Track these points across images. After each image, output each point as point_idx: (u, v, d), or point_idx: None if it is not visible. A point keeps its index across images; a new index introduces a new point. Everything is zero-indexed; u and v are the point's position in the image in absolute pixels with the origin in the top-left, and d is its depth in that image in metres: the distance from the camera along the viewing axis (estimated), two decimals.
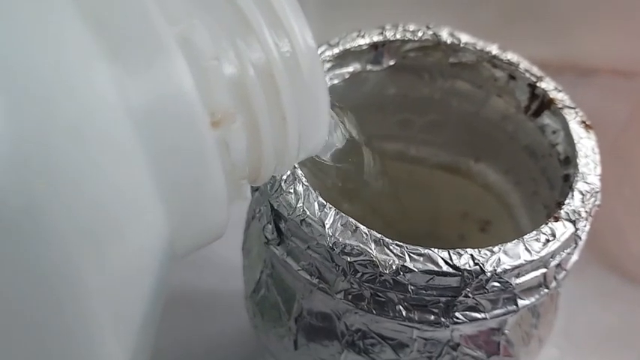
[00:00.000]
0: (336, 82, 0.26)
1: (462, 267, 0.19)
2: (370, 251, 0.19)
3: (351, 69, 0.26)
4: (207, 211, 0.14)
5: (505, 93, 0.26)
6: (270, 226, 0.21)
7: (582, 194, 0.21)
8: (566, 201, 0.21)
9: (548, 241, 0.20)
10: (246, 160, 0.15)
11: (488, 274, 0.19)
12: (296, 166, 0.21)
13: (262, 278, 0.24)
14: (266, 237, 0.21)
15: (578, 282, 0.40)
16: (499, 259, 0.19)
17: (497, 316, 0.20)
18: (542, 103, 0.24)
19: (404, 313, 0.20)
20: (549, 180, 0.25)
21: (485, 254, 0.19)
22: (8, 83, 0.11)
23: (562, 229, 0.20)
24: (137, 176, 0.12)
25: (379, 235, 0.19)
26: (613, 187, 0.42)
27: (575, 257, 0.22)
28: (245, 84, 0.14)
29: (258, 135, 0.15)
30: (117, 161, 0.12)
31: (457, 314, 0.20)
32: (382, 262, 0.19)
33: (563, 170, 0.24)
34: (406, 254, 0.19)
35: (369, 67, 0.26)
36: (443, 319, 0.20)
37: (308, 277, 0.21)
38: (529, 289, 0.20)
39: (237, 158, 0.15)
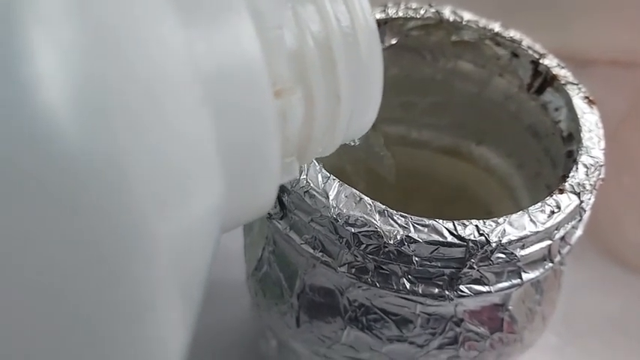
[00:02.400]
0: None
1: (467, 237, 0.19)
2: (374, 222, 0.19)
3: None
4: (259, 183, 0.14)
5: (507, 72, 0.26)
6: None
7: (586, 167, 0.21)
8: (571, 174, 0.21)
9: (552, 212, 0.20)
10: (297, 135, 0.15)
11: (494, 245, 0.19)
12: None
13: (264, 255, 0.23)
14: (268, 212, 0.21)
15: (577, 271, 0.40)
16: (504, 230, 0.19)
17: (502, 289, 0.20)
18: (545, 80, 0.24)
19: (408, 286, 0.20)
20: (552, 159, 0.25)
21: (490, 225, 0.19)
22: (88, 34, 0.11)
23: (567, 201, 0.20)
24: (202, 134, 0.12)
25: (383, 207, 0.19)
26: (612, 177, 0.42)
27: (579, 232, 0.21)
28: (304, 56, 0.14)
29: (312, 111, 0.14)
30: (184, 117, 0.12)
31: (461, 287, 0.20)
32: (386, 233, 0.19)
33: (566, 147, 0.23)
34: (411, 225, 0.19)
35: None
36: (447, 292, 0.20)
37: (311, 250, 0.20)
38: (533, 262, 0.20)
39: (291, 132, 0.14)
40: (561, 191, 0.20)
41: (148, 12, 0.12)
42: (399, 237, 0.19)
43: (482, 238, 0.19)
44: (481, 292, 0.20)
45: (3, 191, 0.10)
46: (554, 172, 0.25)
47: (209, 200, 0.13)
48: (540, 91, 0.25)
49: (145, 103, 0.12)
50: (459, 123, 0.29)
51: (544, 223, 0.19)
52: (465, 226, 0.19)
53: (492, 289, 0.20)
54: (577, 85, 0.24)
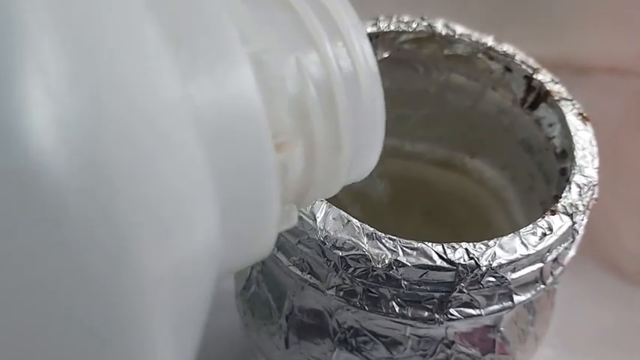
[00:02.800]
0: None
1: (457, 261, 0.18)
2: (362, 245, 0.19)
3: None
4: (258, 231, 0.14)
5: (501, 86, 0.25)
6: None
7: (579, 187, 0.21)
8: (563, 194, 0.20)
9: (544, 234, 0.19)
10: (297, 184, 0.14)
11: (484, 269, 0.18)
12: None
13: (253, 275, 0.23)
14: None
15: (573, 281, 0.40)
16: (494, 253, 0.19)
17: (493, 312, 0.20)
18: (538, 96, 0.24)
19: (397, 309, 0.19)
20: (545, 175, 0.25)
21: (481, 248, 0.19)
22: (91, 73, 0.11)
23: (559, 223, 0.20)
24: (201, 183, 0.12)
25: (372, 229, 0.19)
26: (608, 186, 0.42)
27: (572, 252, 0.21)
28: (306, 104, 0.14)
29: (313, 160, 0.14)
30: (183, 168, 0.12)
31: (452, 310, 0.19)
32: (375, 257, 0.18)
33: (559, 164, 0.23)
34: (399, 248, 0.19)
35: None
36: (437, 316, 0.19)
37: (299, 272, 0.20)
38: (525, 285, 0.20)
39: (291, 182, 0.14)
40: (553, 212, 0.20)
41: (147, 59, 0.12)
42: (387, 261, 0.18)
43: (472, 261, 0.18)
44: (472, 315, 0.20)
45: None
46: (547, 187, 0.24)
47: (204, 238, 0.13)
48: (534, 106, 0.24)
49: (143, 136, 0.11)
50: (453, 136, 0.29)
51: (535, 246, 0.19)
52: (455, 249, 0.19)
53: (483, 312, 0.20)
54: (571, 101, 0.23)
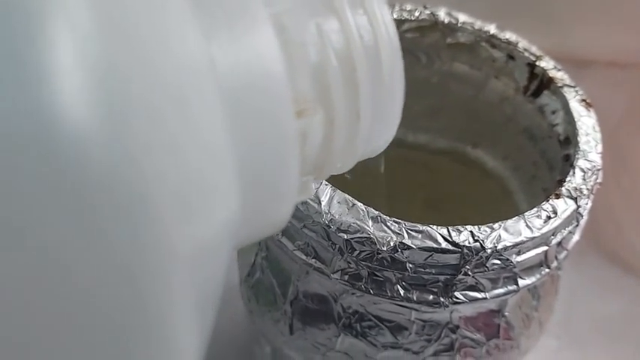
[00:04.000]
0: None
1: (462, 243, 0.18)
2: (367, 228, 0.19)
3: None
4: (275, 201, 0.14)
5: (503, 74, 0.26)
6: None
7: (584, 172, 0.21)
8: (567, 178, 0.20)
9: (549, 218, 0.19)
10: (316, 155, 0.14)
11: (489, 251, 0.18)
12: None
13: (257, 261, 0.23)
14: None
15: (576, 273, 0.40)
16: (499, 236, 0.19)
17: (498, 296, 0.20)
18: (541, 83, 0.24)
19: (402, 292, 0.19)
20: (549, 162, 0.25)
21: (486, 231, 0.19)
22: (115, 42, 0.11)
23: (563, 206, 0.20)
24: (222, 147, 0.12)
25: (377, 212, 0.19)
26: (611, 178, 0.42)
27: (576, 237, 0.21)
28: (326, 73, 0.14)
29: (332, 130, 0.14)
30: (205, 128, 0.12)
31: (456, 294, 0.19)
32: (380, 240, 0.18)
33: (563, 151, 0.23)
34: (404, 231, 0.19)
35: None
36: (442, 299, 0.19)
37: (304, 257, 0.20)
38: (530, 268, 0.20)
39: (310, 152, 0.14)
40: (558, 196, 0.20)
41: (172, 18, 0.12)
42: (392, 243, 0.18)
43: (477, 244, 0.18)
44: (476, 299, 0.20)
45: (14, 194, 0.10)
46: (551, 175, 0.24)
47: (226, 213, 0.12)
48: (537, 93, 0.24)
49: (168, 110, 0.11)
50: (455, 126, 0.29)
51: (540, 229, 0.19)
52: (460, 232, 0.19)
53: (488, 295, 0.20)
54: (574, 87, 0.23)
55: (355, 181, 0.26)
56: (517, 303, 0.22)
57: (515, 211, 0.28)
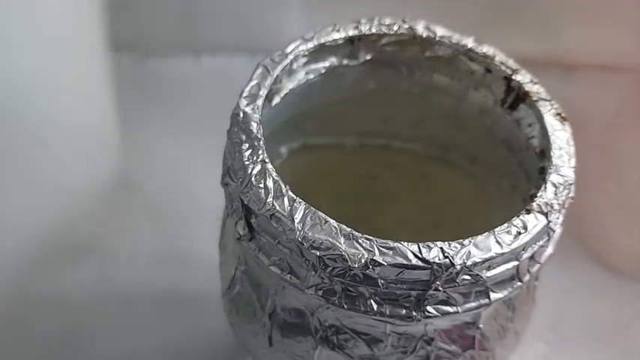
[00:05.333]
0: (311, 76, 0.25)
1: (432, 260, 0.19)
2: (339, 245, 0.19)
3: (327, 64, 0.26)
4: None
5: (482, 86, 0.26)
6: (241, 222, 0.21)
7: (555, 186, 0.21)
8: (539, 193, 0.21)
9: (519, 233, 0.20)
10: None
11: (458, 267, 0.19)
12: (266, 160, 0.21)
13: (237, 275, 0.24)
14: (238, 233, 0.21)
15: (565, 277, 0.40)
16: (469, 252, 0.19)
17: (470, 310, 0.20)
18: (517, 96, 0.24)
19: (375, 307, 0.20)
20: (527, 173, 0.25)
21: (455, 247, 0.19)
22: None
23: (534, 222, 0.20)
24: None
25: (349, 229, 0.19)
26: (598, 182, 0.42)
27: (549, 250, 0.21)
28: None
29: None
30: None
31: (429, 308, 0.20)
32: (351, 257, 0.19)
33: (539, 163, 0.23)
34: (375, 248, 0.19)
35: (345, 61, 0.26)
36: (414, 313, 0.20)
37: (279, 272, 0.20)
38: (502, 282, 0.20)
39: None
40: (528, 211, 0.20)
41: None
42: (363, 260, 0.19)
43: (447, 260, 0.19)
44: (448, 313, 0.20)
45: None
46: (529, 186, 0.25)
47: None
48: (514, 106, 0.25)
49: None
50: (438, 136, 0.29)
51: (510, 244, 0.19)
52: (430, 248, 0.19)
53: (460, 309, 0.20)
54: (549, 101, 0.24)
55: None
56: (492, 315, 0.22)
57: (496, 219, 0.28)
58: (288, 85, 0.25)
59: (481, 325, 0.22)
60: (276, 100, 0.25)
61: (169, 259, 0.40)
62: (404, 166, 0.31)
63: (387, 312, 0.20)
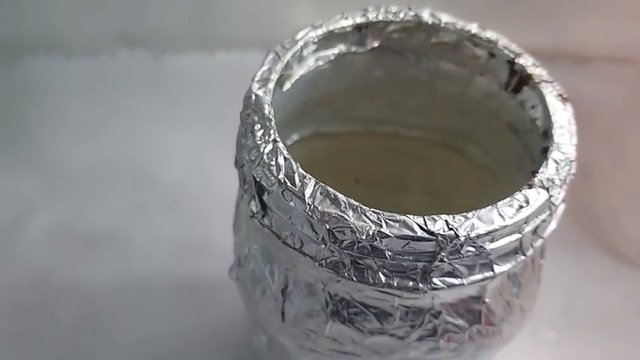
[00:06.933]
0: (321, 63, 0.26)
1: (437, 232, 0.19)
2: (348, 218, 0.20)
3: (336, 50, 0.26)
4: None
5: (487, 71, 0.27)
6: (254, 200, 0.22)
7: (557, 163, 0.22)
8: (541, 169, 0.21)
9: (521, 207, 0.20)
10: None
11: (462, 239, 0.20)
12: (277, 140, 0.22)
13: (250, 252, 0.24)
14: (251, 211, 0.22)
15: (576, 265, 0.41)
16: (473, 224, 0.20)
17: (475, 282, 0.21)
18: (521, 79, 0.25)
19: (383, 279, 0.21)
20: (531, 155, 0.26)
21: (460, 220, 0.20)
22: None
23: (535, 196, 0.21)
24: None
25: (357, 203, 0.20)
26: (608, 171, 0.43)
27: (553, 225, 0.22)
28: None
29: None
30: None
31: (435, 280, 0.20)
32: (359, 229, 0.20)
33: (542, 144, 0.24)
34: (382, 220, 0.20)
35: (353, 48, 0.27)
36: (421, 285, 0.21)
37: (291, 247, 0.21)
38: (505, 255, 0.21)
39: None
40: (530, 186, 0.21)
41: None
42: (370, 232, 0.20)
43: (452, 232, 0.20)
44: (454, 285, 0.21)
45: None
46: (533, 167, 0.25)
47: None
48: (517, 89, 0.25)
49: None
50: (445, 122, 0.30)
51: (512, 217, 0.20)
52: (435, 221, 0.20)
53: (465, 281, 0.21)
54: (551, 83, 0.24)
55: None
56: (497, 289, 0.23)
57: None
58: (299, 72, 0.26)
59: (487, 300, 0.23)
60: (287, 85, 0.26)
61: (185, 248, 0.41)
62: (411, 153, 0.32)
63: (395, 284, 0.21)
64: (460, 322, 0.23)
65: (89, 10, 0.46)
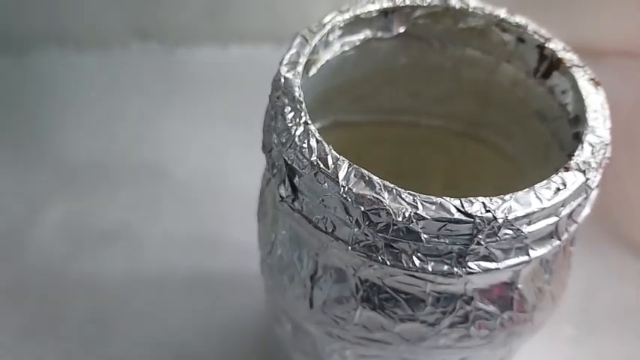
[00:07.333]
0: (347, 48, 0.26)
1: (474, 214, 0.19)
2: (383, 200, 0.19)
3: (362, 36, 0.26)
4: None
5: (515, 58, 0.26)
6: (284, 184, 0.22)
7: (592, 146, 0.21)
8: (576, 152, 0.21)
9: (558, 189, 0.20)
10: None
11: (500, 221, 0.19)
12: (309, 122, 0.21)
13: (277, 239, 0.24)
14: (281, 195, 0.22)
15: (593, 261, 0.40)
16: (510, 207, 0.19)
17: (510, 266, 0.21)
18: (551, 64, 0.25)
19: (417, 263, 0.20)
20: (560, 142, 0.25)
21: (497, 202, 0.19)
22: None
23: (572, 179, 0.20)
24: None
25: (392, 185, 0.20)
26: (626, 166, 0.42)
27: (587, 210, 0.22)
28: None
29: None
30: None
31: (470, 264, 0.20)
32: (395, 211, 0.19)
33: (573, 129, 0.24)
34: (419, 202, 0.19)
35: (379, 34, 0.26)
36: (456, 269, 0.20)
37: (323, 231, 0.21)
38: (541, 239, 0.21)
39: None
40: (567, 169, 0.21)
41: None
42: (407, 214, 0.19)
43: (489, 214, 0.19)
44: (489, 269, 0.20)
45: None
46: (562, 154, 0.25)
47: None
48: (547, 75, 0.25)
49: None
50: (468, 111, 0.30)
51: (550, 200, 0.20)
52: (472, 203, 0.19)
53: (500, 265, 0.20)
54: (582, 67, 0.24)
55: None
56: (529, 276, 0.23)
57: None
58: (325, 57, 0.25)
59: (519, 286, 0.22)
60: (313, 71, 0.25)
61: (199, 243, 0.40)
62: (432, 144, 0.31)
63: (429, 268, 0.20)
64: (492, 308, 0.22)
65: (101, 3, 0.46)
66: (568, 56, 0.24)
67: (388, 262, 0.20)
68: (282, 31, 0.46)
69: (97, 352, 0.36)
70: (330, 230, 0.21)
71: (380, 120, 0.31)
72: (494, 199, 0.20)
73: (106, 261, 0.39)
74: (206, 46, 0.47)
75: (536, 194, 0.20)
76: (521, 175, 0.28)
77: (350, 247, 0.21)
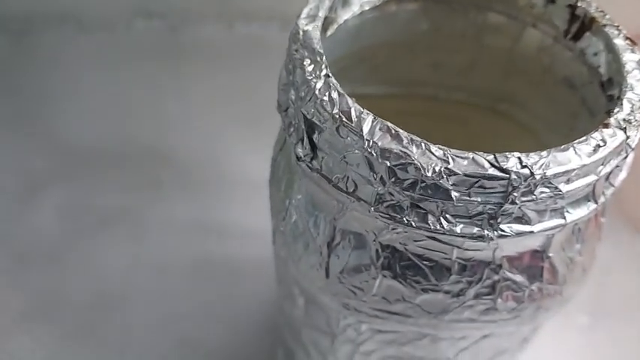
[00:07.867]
0: (366, 8, 0.25)
1: (510, 169, 0.18)
2: (411, 154, 0.18)
3: None
4: None
5: (542, 21, 0.25)
6: (302, 142, 0.20)
7: (632, 104, 0.20)
8: (616, 109, 0.20)
9: (598, 146, 0.19)
10: None
11: (537, 177, 0.18)
12: (330, 75, 0.20)
13: (292, 204, 0.23)
14: (298, 155, 0.20)
15: (608, 249, 0.39)
16: (548, 163, 0.18)
17: (544, 230, 0.19)
18: (582, 24, 0.23)
19: (445, 225, 0.19)
20: (590, 109, 0.24)
21: (534, 157, 0.18)
22: None
23: (612, 136, 0.19)
24: None
25: (420, 139, 0.18)
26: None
27: (624, 173, 0.21)
28: None
29: None
30: None
31: (502, 226, 0.19)
32: (424, 165, 0.18)
33: (606, 92, 0.23)
34: (450, 157, 0.18)
35: None
36: (487, 232, 0.19)
37: (343, 191, 0.20)
38: (577, 201, 0.19)
39: None
40: (606, 125, 0.19)
41: None
42: (437, 169, 0.18)
43: (526, 170, 0.18)
44: (523, 232, 0.19)
45: None
46: (592, 121, 0.24)
47: None
48: (577, 36, 0.24)
49: None
50: (490, 82, 0.28)
51: (589, 157, 0.18)
52: (508, 158, 0.18)
53: (535, 228, 0.19)
54: (617, 26, 0.23)
55: None
56: (561, 244, 0.21)
57: None
58: (344, 16, 0.24)
59: (550, 254, 0.21)
60: (331, 30, 0.24)
61: (201, 227, 0.39)
62: (451, 117, 0.30)
63: (458, 230, 0.19)
64: (521, 278, 0.21)
65: None
66: (601, 15, 0.23)
67: (414, 224, 0.19)
68: (289, 11, 0.45)
69: (97, 335, 0.35)
70: (351, 190, 0.19)
71: (398, 93, 0.30)
72: (531, 154, 0.18)
73: (106, 245, 0.38)
74: (211, 24, 0.46)
75: (575, 151, 0.18)
76: (542, 149, 0.27)
77: (372, 208, 0.19)
